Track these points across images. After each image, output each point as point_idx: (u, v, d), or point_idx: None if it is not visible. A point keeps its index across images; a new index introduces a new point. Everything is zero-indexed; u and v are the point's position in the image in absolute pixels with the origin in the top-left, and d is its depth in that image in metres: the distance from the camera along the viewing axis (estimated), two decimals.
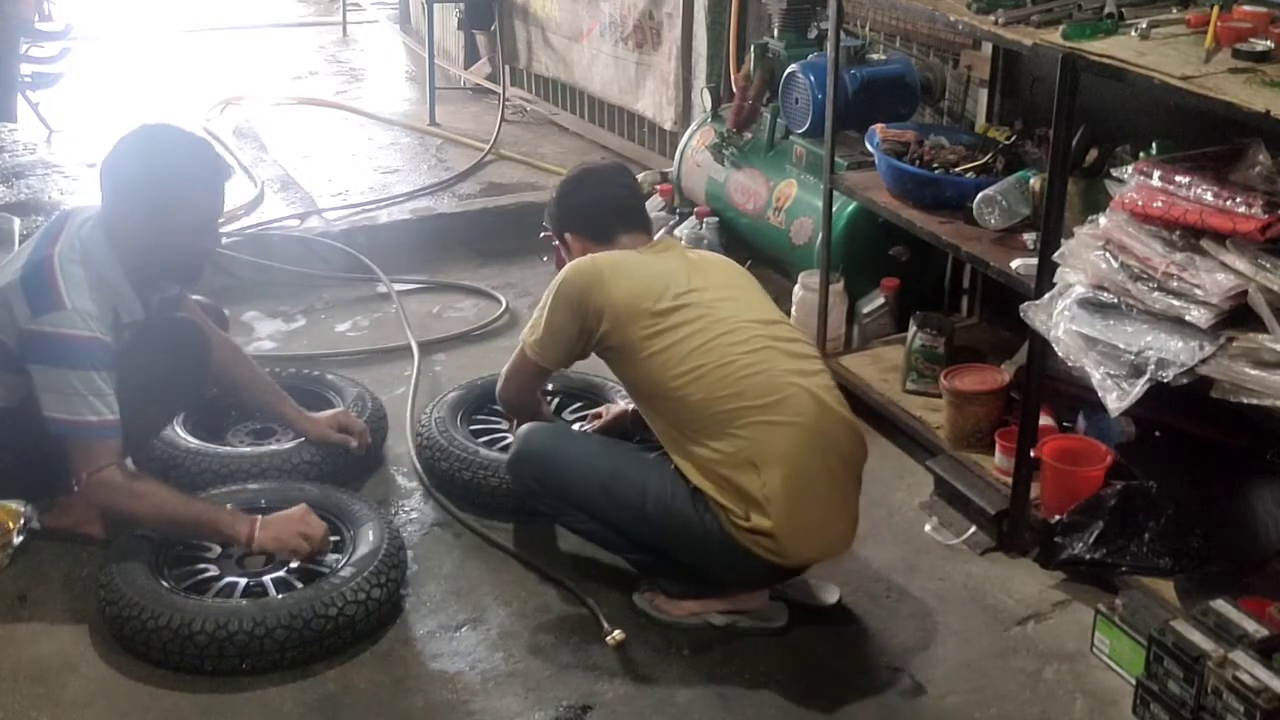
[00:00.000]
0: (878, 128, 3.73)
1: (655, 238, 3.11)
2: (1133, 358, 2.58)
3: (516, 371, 2.96)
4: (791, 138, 4.27)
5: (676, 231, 4.42)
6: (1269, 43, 2.59)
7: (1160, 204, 2.56)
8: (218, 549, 2.97)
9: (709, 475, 2.67)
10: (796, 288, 3.99)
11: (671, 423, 2.73)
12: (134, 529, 2.91)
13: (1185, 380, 2.50)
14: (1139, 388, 2.56)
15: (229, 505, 2.99)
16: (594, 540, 2.92)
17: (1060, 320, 2.73)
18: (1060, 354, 2.74)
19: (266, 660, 2.67)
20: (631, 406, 3.12)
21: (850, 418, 2.82)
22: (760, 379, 2.70)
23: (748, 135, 4.48)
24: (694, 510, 2.70)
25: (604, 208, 2.99)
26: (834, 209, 3.80)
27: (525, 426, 2.99)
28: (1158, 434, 3.24)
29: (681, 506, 2.71)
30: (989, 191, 3.30)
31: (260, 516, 2.89)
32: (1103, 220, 2.70)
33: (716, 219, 4.47)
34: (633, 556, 2.89)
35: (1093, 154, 3.10)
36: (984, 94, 3.99)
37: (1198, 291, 2.49)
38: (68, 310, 2.77)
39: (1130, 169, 2.69)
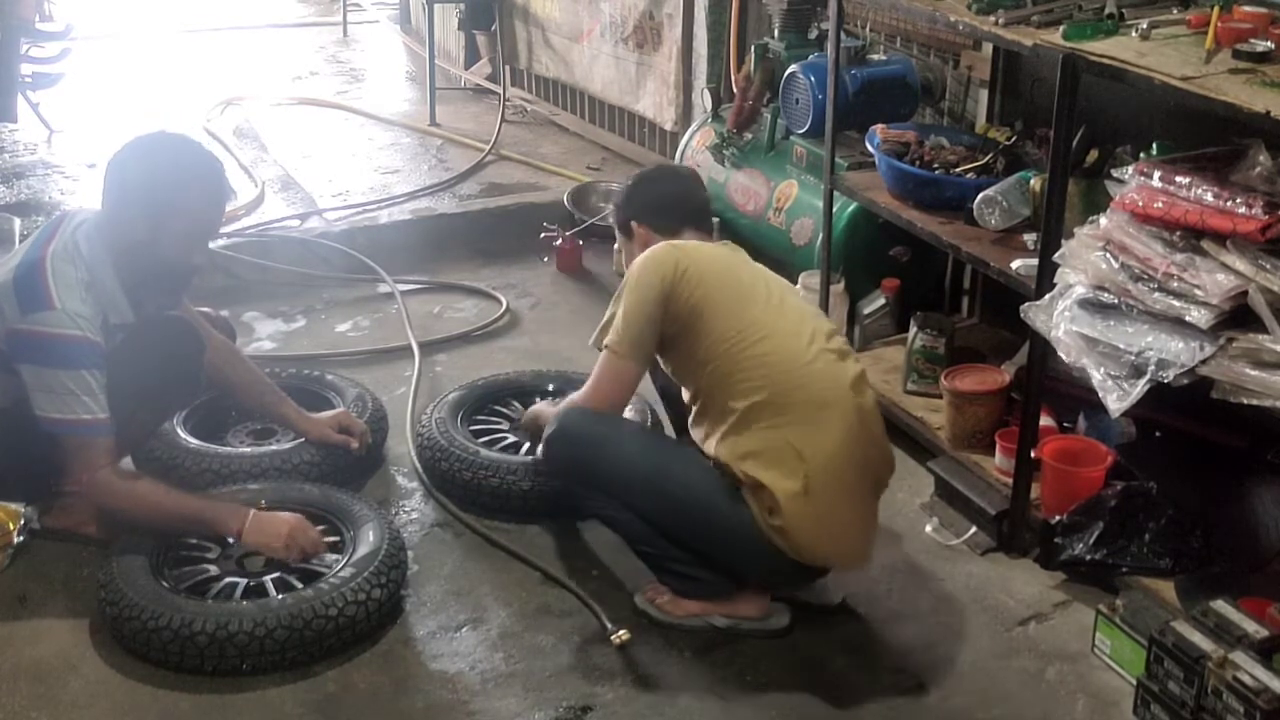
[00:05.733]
0: (878, 128, 3.73)
1: None
2: (1133, 358, 2.58)
3: (613, 381, 2.84)
4: (792, 138, 4.27)
5: None
6: (1269, 43, 2.59)
7: (1161, 205, 2.56)
8: (218, 549, 2.97)
9: (748, 456, 2.69)
10: (797, 288, 3.99)
11: (724, 396, 2.73)
12: (131, 528, 2.91)
13: (1185, 381, 2.50)
14: (1139, 388, 2.56)
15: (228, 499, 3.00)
16: (614, 527, 2.91)
17: (1061, 321, 2.73)
18: (1061, 354, 2.74)
19: (267, 661, 2.67)
20: None
21: (886, 440, 2.88)
22: (819, 379, 2.75)
23: (748, 136, 4.48)
24: (733, 508, 2.72)
25: (677, 201, 3.07)
26: (834, 209, 3.80)
27: (566, 405, 2.93)
28: (1158, 434, 3.24)
29: (721, 502, 2.73)
30: (989, 192, 3.30)
31: (255, 512, 2.90)
32: (1103, 221, 2.70)
33: (717, 220, 4.47)
34: (649, 549, 2.86)
35: (1093, 154, 3.10)
36: (984, 94, 3.99)
37: (1198, 292, 2.49)
38: (57, 310, 2.78)
39: (1130, 170, 2.69)
